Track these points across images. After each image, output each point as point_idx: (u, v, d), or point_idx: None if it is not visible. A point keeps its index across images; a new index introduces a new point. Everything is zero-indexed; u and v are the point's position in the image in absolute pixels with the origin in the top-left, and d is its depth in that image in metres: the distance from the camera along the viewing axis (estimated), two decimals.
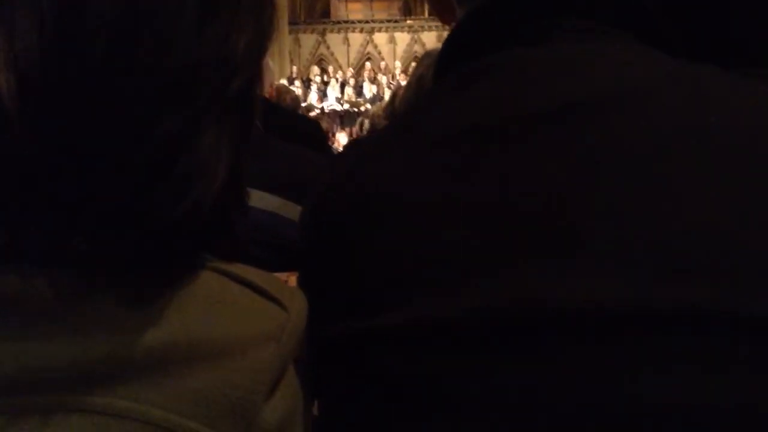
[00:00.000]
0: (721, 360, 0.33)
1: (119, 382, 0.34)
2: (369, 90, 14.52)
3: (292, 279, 0.72)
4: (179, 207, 0.36)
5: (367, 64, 15.92)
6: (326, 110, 13.41)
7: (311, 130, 2.28)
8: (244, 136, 0.41)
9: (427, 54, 1.88)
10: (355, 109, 13.18)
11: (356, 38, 16.92)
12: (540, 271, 0.37)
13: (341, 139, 10.09)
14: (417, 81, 1.53)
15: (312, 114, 10.10)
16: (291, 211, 1.20)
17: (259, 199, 1.17)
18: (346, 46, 16.87)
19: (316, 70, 15.65)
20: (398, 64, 15.64)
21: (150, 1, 0.34)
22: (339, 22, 17.14)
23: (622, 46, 0.45)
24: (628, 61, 0.43)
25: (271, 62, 2.17)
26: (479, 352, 0.38)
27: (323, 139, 2.54)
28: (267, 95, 2.11)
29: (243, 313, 0.40)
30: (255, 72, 0.41)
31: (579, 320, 0.36)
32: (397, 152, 0.47)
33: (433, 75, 0.53)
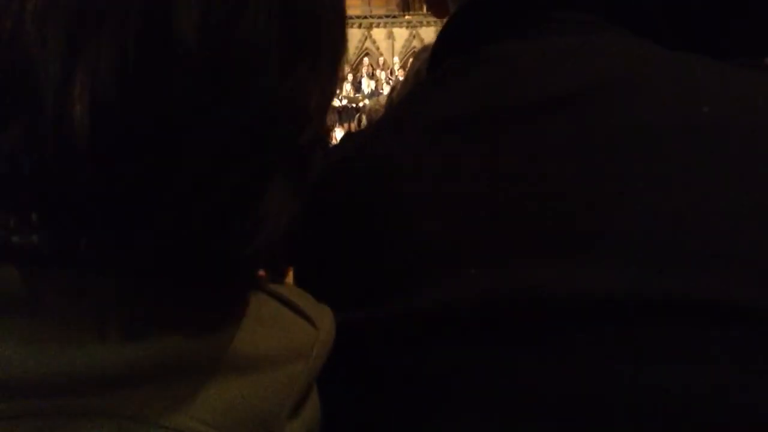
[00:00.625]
0: (719, 350, 0.33)
1: (150, 389, 0.34)
2: (367, 85, 14.50)
3: (290, 274, 0.72)
4: (239, 256, 0.37)
5: (365, 60, 15.89)
6: None
7: None
8: (307, 183, 0.41)
9: (424, 48, 1.88)
10: (353, 105, 13.16)
11: (354, 34, 16.86)
12: (538, 263, 0.37)
13: (339, 135, 10.08)
14: (414, 76, 1.53)
15: None
16: None
17: None
18: None
19: None
20: (396, 59, 15.61)
21: (235, 51, 0.34)
22: None
23: (616, 38, 0.45)
24: (622, 52, 0.43)
25: None
26: (479, 344, 0.38)
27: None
28: None
29: (276, 329, 0.40)
30: (321, 128, 0.41)
31: (578, 311, 0.36)
32: (393, 142, 0.47)
33: (427, 67, 0.53)
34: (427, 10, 0.59)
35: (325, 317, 0.43)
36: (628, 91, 0.40)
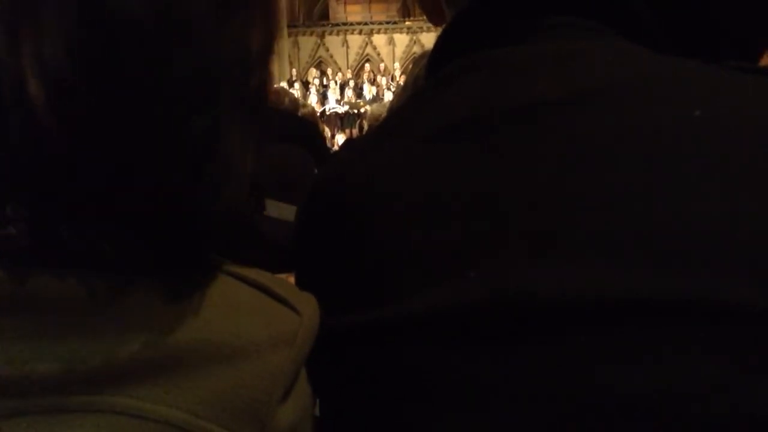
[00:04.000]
0: (702, 349, 0.34)
1: (139, 383, 0.35)
2: (369, 91, 14.52)
3: (291, 279, 0.73)
4: (214, 209, 0.37)
5: (366, 66, 15.91)
6: (327, 113, 13.41)
7: (308, 132, 2.29)
8: (260, 137, 0.42)
9: (423, 55, 1.89)
10: (355, 111, 13.18)
11: (355, 40, 16.90)
12: (532, 265, 0.37)
13: (341, 141, 10.09)
14: (414, 81, 1.54)
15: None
16: (278, 210, 1.20)
17: None
18: (345, 48, 16.85)
19: (314, 72, 15.65)
20: (397, 65, 15.63)
21: (173, 3, 0.35)
22: (338, 24, 17.14)
23: (606, 43, 0.45)
24: (613, 57, 0.43)
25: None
26: (475, 346, 0.38)
27: (321, 139, 2.55)
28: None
29: (258, 317, 0.41)
30: (266, 72, 0.42)
31: (573, 312, 0.36)
32: (389, 149, 0.48)
33: (424, 74, 0.54)
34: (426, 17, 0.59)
35: (308, 304, 0.44)
36: (622, 95, 0.40)
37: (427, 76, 0.53)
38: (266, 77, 0.42)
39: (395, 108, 2.01)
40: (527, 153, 0.40)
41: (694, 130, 0.37)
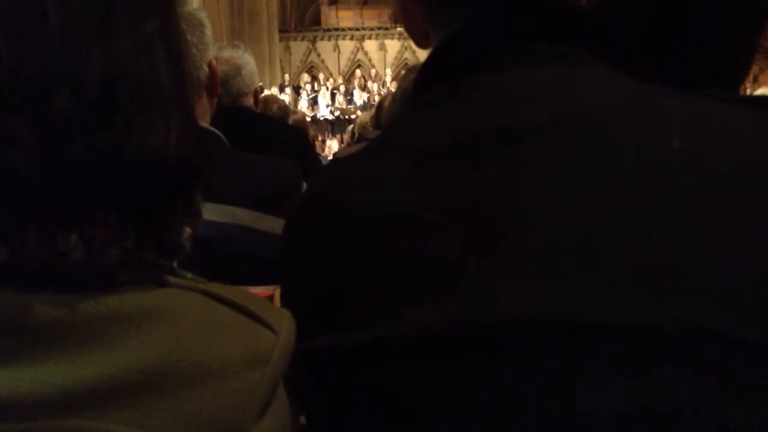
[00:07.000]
0: (682, 370, 0.35)
1: (113, 405, 0.34)
2: (359, 97, 14.53)
3: (278, 292, 0.73)
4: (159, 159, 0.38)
5: (358, 72, 15.94)
6: (319, 118, 13.42)
7: (295, 138, 2.29)
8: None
9: (411, 69, 1.91)
10: (346, 117, 13.19)
11: (347, 45, 16.95)
12: (504, 286, 0.38)
13: (333, 146, 10.10)
14: (402, 95, 1.55)
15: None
16: (265, 223, 1.20)
17: (230, 215, 1.16)
18: (336, 53, 16.89)
19: (306, 77, 15.67)
20: (389, 71, 15.67)
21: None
22: (329, 30, 17.19)
23: (589, 70, 0.46)
24: (595, 83, 0.44)
25: (256, 69, 2.17)
26: (461, 367, 0.39)
27: (308, 146, 2.55)
28: (253, 104, 2.11)
29: (233, 336, 0.41)
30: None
31: (544, 333, 0.37)
32: (374, 168, 0.48)
33: (412, 92, 0.54)
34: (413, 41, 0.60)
35: (283, 321, 0.44)
36: (603, 121, 0.41)
37: (415, 95, 0.53)
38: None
39: (387, 120, 2.01)
40: (509, 176, 0.41)
41: (672, 160, 0.38)
